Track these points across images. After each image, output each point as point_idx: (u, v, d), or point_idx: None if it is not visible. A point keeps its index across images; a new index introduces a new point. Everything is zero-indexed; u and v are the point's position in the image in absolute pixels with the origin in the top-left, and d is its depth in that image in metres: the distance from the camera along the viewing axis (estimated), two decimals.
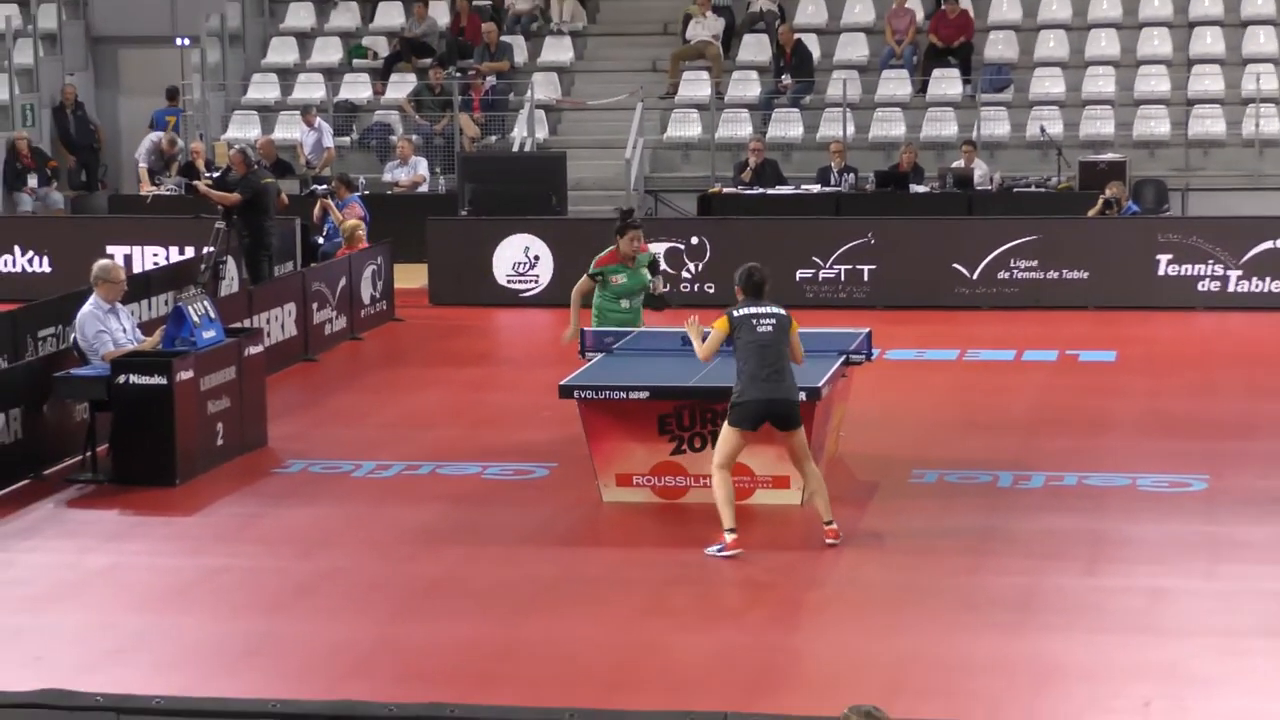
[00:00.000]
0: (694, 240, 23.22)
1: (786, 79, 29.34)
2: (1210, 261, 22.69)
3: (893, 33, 29.87)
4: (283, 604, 12.07)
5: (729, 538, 12.74)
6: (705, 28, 29.99)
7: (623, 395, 13.88)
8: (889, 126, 28.83)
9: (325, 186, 25.30)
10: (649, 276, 15.85)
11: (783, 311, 13.05)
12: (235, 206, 21.83)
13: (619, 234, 15.86)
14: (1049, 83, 29.15)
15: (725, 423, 12.95)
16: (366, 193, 27.04)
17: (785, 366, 12.89)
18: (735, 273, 13.20)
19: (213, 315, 15.80)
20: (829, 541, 12.91)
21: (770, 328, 12.88)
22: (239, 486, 14.99)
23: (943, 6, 29.60)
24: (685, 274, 16.30)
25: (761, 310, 12.94)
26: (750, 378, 12.80)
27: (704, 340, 13.22)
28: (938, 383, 18.80)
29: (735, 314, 12.95)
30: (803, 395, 13.60)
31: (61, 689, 7.75)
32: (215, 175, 22.56)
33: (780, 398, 12.78)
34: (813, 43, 30.24)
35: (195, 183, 22.42)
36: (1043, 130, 27.69)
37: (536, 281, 23.74)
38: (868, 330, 15.71)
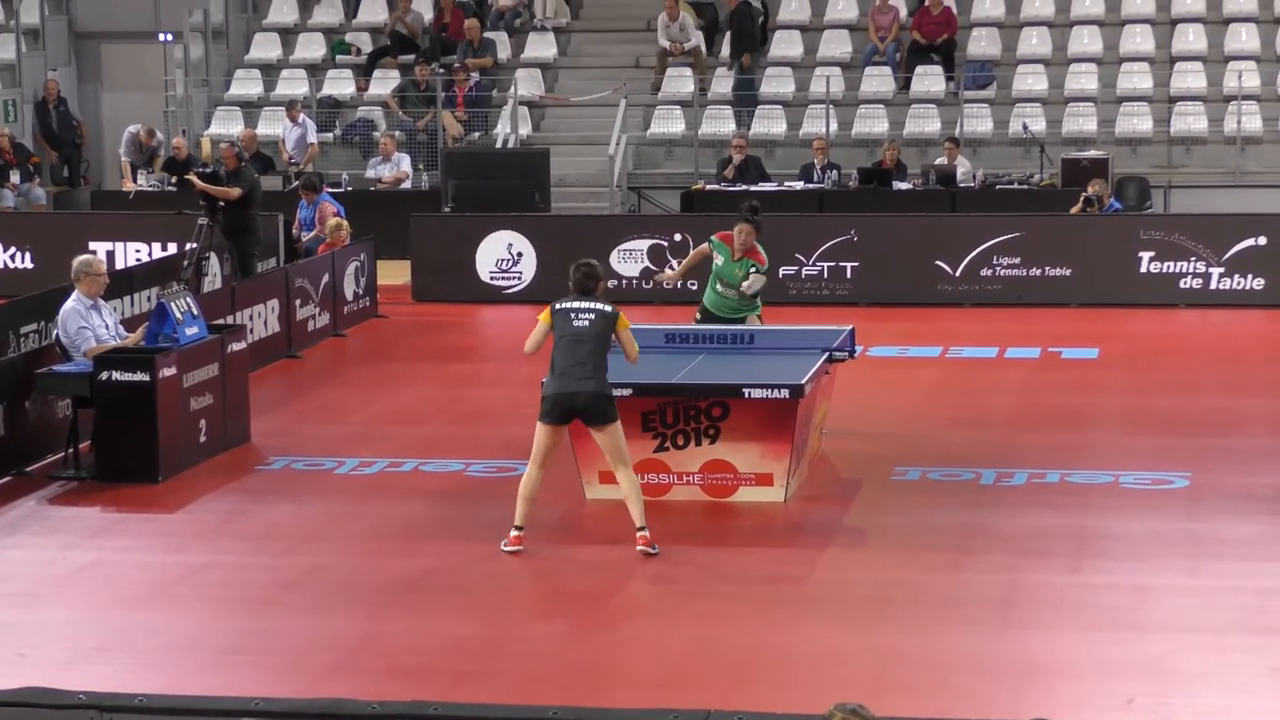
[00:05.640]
0: (677, 237, 23.22)
1: (724, 54, 29.35)
2: (1192, 259, 22.73)
3: (876, 29, 29.90)
4: (266, 601, 12.06)
5: (512, 534, 12.77)
6: (678, 28, 29.90)
7: None
8: (872, 123, 28.88)
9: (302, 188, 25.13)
10: (739, 277, 15.76)
11: (608, 309, 12.84)
12: (226, 201, 21.80)
13: (736, 221, 16.02)
14: (1031, 80, 29.19)
15: (537, 420, 12.84)
16: (349, 189, 27.05)
17: (595, 362, 12.68)
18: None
19: (195, 312, 15.78)
20: (640, 549, 12.69)
21: (587, 322, 12.72)
22: (222, 483, 14.97)
23: (925, 3, 29.63)
24: (668, 270, 16.50)
25: (582, 305, 12.78)
26: (557, 371, 12.73)
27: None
28: (921, 380, 18.83)
29: (556, 306, 12.87)
30: (785, 393, 13.65)
31: (44, 687, 7.74)
32: (205, 171, 22.51)
33: (583, 390, 12.60)
34: (795, 39, 30.28)
35: (190, 177, 22.33)
36: (1025, 127, 27.73)
37: (520, 278, 23.73)
38: (851, 327, 15.73)
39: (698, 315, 16.18)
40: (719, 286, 15.98)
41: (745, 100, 29.31)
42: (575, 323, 12.72)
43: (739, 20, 29.63)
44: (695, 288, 22.23)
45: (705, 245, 16.28)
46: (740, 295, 15.87)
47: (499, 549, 12.81)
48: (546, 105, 30.15)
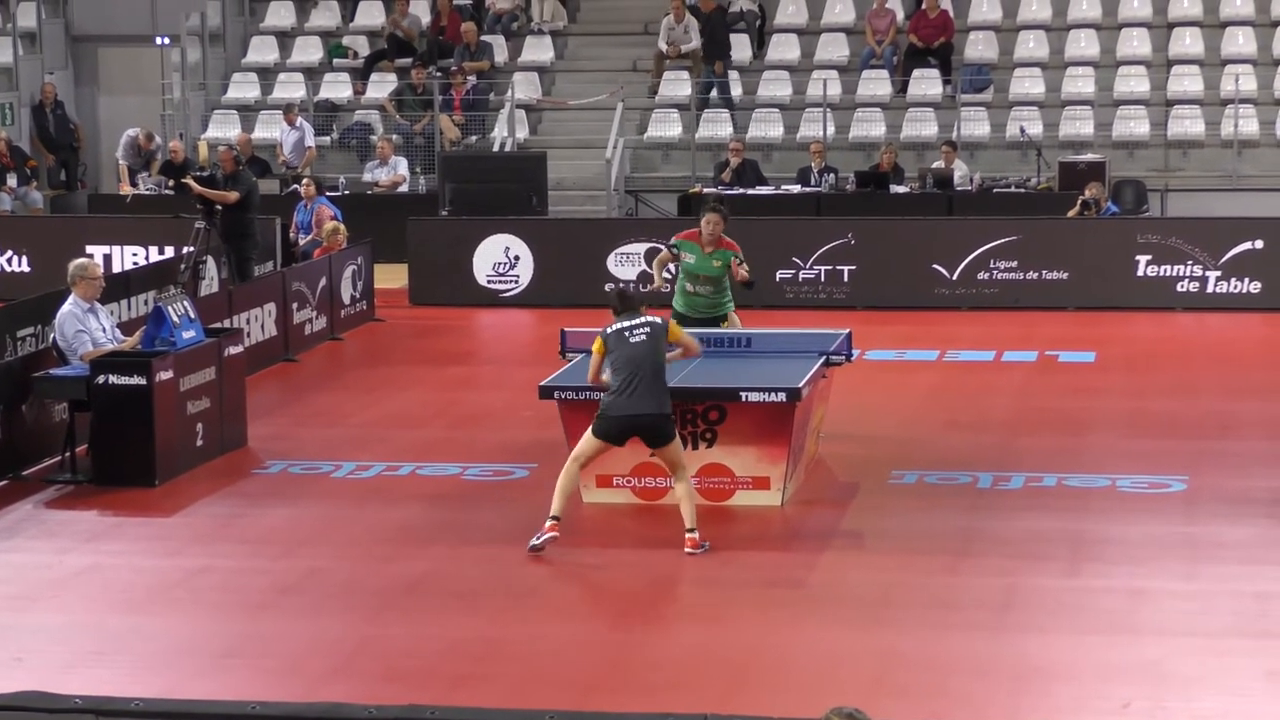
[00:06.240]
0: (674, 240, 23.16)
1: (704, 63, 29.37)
2: (1189, 262, 22.74)
3: (873, 33, 29.91)
4: (263, 605, 12.05)
5: (548, 523, 12.82)
6: (682, 30, 29.92)
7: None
8: (869, 127, 28.88)
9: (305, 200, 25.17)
10: (717, 268, 15.73)
11: (657, 319, 13.02)
12: (224, 205, 21.79)
13: (701, 213, 15.94)
14: (1029, 83, 29.20)
15: (590, 427, 12.95)
16: (346, 192, 27.03)
17: (658, 382, 12.80)
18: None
19: (192, 315, 15.78)
20: (688, 550, 12.79)
21: (644, 336, 12.84)
22: (219, 487, 14.96)
23: (923, 6, 29.65)
24: (665, 274, 16.54)
25: (634, 321, 12.90)
26: (620, 393, 12.77)
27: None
28: (918, 383, 18.82)
29: (608, 330, 12.96)
30: (782, 396, 13.65)
31: (40, 691, 7.73)
32: (202, 174, 22.51)
33: (647, 413, 12.71)
34: (793, 42, 30.29)
35: (188, 180, 22.33)
36: (1022, 131, 27.74)
37: (517, 281, 23.72)
38: (848, 331, 15.72)
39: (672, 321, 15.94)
40: (690, 286, 15.86)
41: (717, 104, 29.30)
42: (632, 339, 12.81)
43: (712, 27, 29.64)
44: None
45: (665, 252, 16.20)
46: (741, 283, 15.76)
47: (525, 548, 12.75)
48: (544, 108, 30.15)
